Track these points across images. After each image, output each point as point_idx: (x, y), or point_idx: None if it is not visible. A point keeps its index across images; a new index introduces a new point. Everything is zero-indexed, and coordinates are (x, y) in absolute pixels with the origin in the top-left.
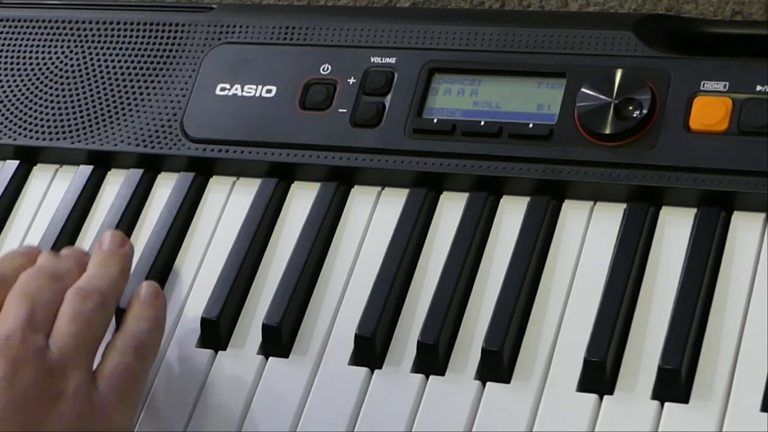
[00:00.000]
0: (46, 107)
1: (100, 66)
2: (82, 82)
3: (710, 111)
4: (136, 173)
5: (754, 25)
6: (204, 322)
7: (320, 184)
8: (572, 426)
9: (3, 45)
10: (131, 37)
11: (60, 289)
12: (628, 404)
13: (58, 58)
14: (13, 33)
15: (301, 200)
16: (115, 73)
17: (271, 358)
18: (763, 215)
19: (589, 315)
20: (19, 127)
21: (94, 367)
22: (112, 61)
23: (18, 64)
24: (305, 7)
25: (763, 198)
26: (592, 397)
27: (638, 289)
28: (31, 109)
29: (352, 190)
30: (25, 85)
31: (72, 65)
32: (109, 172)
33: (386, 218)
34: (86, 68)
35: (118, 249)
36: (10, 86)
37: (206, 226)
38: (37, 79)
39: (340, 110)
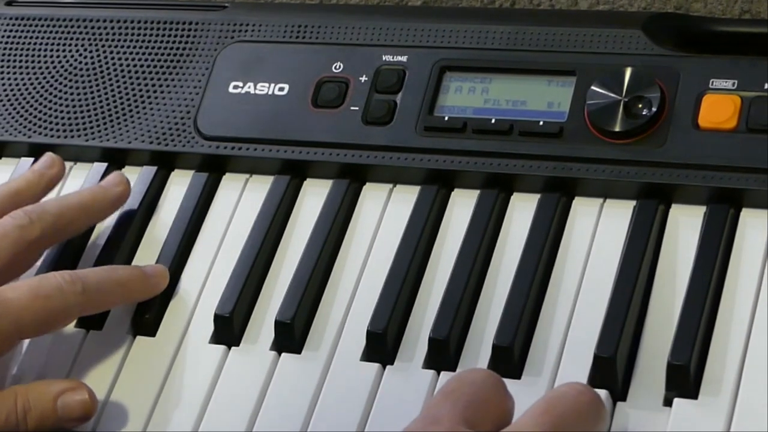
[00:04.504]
0: (61, 105)
1: (113, 64)
2: (96, 79)
3: (719, 109)
4: (150, 170)
5: (763, 23)
6: (217, 318)
7: (332, 182)
8: None
9: (18, 43)
10: (145, 35)
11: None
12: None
13: (72, 56)
14: (27, 31)
15: (314, 197)
16: (129, 71)
17: (283, 354)
18: None
19: (599, 312)
20: (34, 124)
21: None
22: (126, 59)
23: (32, 62)
24: (317, 5)
25: None
26: (602, 393)
27: (648, 285)
28: (45, 106)
29: (364, 187)
30: (39, 83)
31: (86, 63)
32: (123, 170)
33: (398, 215)
34: (100, 66)
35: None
36: (24, 84)
37: (219, 223)
38: (52, 77)
39: (352, 108)
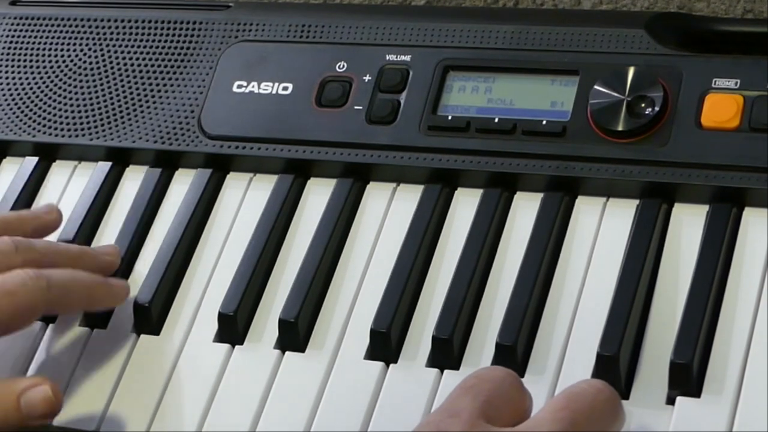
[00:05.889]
0: (65, 104)
1: (118, 63)
2: (100, 79)
3: (722, 108)
4: (154, 170)
5: (765, 23)
6: (221, 316)
7: (336, 181)
8: None
9: (22, 43)
10: (149, 35)
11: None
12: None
13: (76, 55)
14: (32, 31)
15: (317, 196)
16: (133, 71)
17: (287, 353)
18: None
19: (602, 310)
20: (39, 124)
21: None
22: (130, 58)
23: (37, 61)
24: (321, 5)
25: None
26: None
27: (651, 284)
28: (50, 106)
29: (368, 186)
30: (44, 83)
31: (90, 63)
32: (127, 169)
33: (401, 214)
34: (104, 66)
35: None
36: (29, 83)
37: (223, 222)
38: (56, 76)
39: (356, 107)
